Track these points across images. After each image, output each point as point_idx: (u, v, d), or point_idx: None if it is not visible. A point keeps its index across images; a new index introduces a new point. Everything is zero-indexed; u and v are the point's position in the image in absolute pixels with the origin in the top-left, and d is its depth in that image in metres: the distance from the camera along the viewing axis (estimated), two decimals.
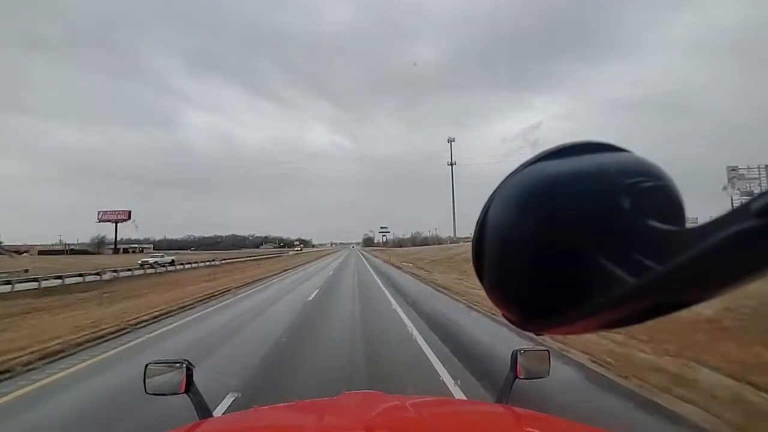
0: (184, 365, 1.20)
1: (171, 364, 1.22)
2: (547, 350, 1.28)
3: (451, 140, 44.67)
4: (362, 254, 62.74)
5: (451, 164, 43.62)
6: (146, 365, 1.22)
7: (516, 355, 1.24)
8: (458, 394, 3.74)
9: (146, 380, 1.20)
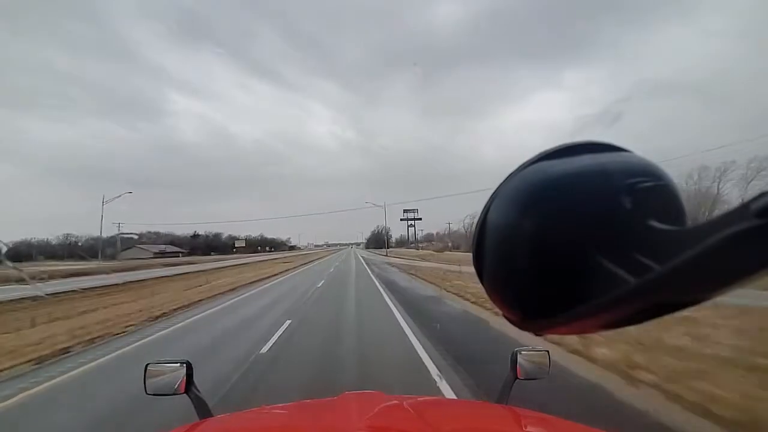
0: (184, 365, 1.20)
1: (171, 364, 1.22)
2: (547, 351, 1.29)
3: None
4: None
5: None
6: (146, 366, 1.21)
7: (516, 355, 1.25)
8: None
9: (146, 381, 1.19)
